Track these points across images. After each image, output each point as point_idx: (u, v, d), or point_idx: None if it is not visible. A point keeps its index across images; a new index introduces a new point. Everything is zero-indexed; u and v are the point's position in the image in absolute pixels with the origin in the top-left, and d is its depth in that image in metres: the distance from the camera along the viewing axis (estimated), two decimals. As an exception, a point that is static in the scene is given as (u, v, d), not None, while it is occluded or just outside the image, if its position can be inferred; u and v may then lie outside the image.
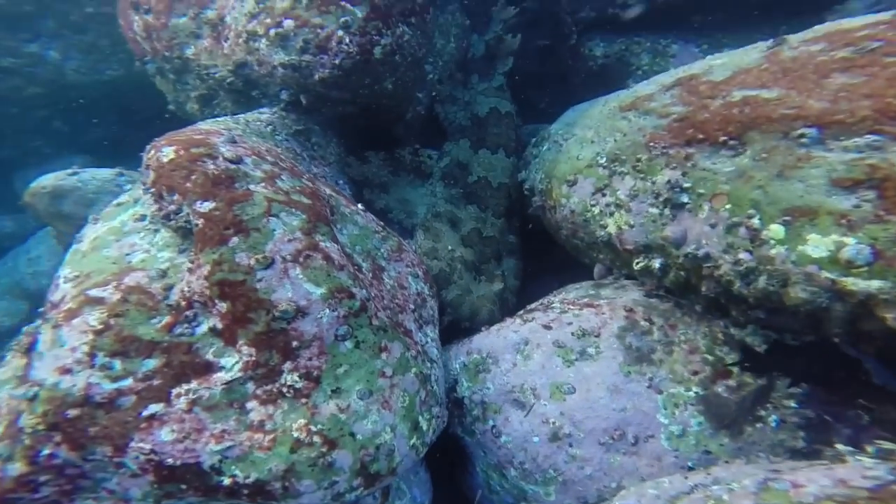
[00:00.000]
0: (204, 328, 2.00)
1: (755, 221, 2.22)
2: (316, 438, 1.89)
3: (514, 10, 4.94)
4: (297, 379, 1.96)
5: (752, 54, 2.79)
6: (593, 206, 3.10)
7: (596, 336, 2.60)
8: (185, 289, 2.05)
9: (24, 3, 5.96)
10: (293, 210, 2.36)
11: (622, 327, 2.59)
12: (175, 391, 1.90)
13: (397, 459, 2.14)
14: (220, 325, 1.98)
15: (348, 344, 2.17)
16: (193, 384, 1.91)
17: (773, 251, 2.11)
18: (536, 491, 2.35)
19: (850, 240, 1.93)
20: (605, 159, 3.11)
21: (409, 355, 2.43)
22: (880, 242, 1.88)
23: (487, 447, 2.56)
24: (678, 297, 2.79)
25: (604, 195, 3.04)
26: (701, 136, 2.59)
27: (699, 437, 2.22)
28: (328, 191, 2.93)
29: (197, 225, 2.12)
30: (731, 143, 2.44)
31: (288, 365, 1.97)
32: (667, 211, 2.62)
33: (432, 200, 4.14)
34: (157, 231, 2.38)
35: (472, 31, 5.39)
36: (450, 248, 3.66)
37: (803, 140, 2.21)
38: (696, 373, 2.37)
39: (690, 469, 2.15)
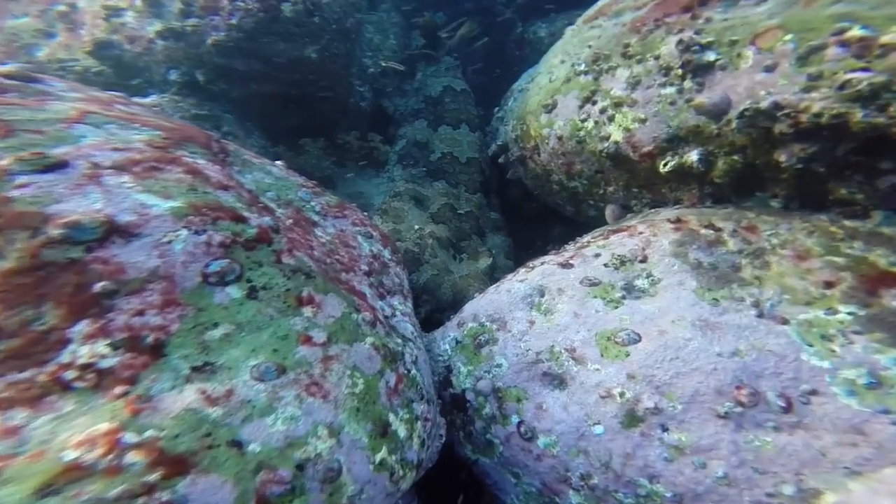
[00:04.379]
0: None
1: (858, 32, 1.48)
2: (134, 457, 0.87)
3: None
4: (102, 352, 0.98)
5: None
6: (584, 120, 2.35)
7: (641, 261, 1.70)
8: None
9: None
10: (134, 124, 1.51)
11: (676, 241, 1.70)
12: None
13: (349, 488, 1.11)
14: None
15: (233, 290, 1.22)
16: None
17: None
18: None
19: None
20: (583, 66, 2.43)
21: (358, 318, 1.47)
22: None
23: (519, 464, 1.52)
24: (736, 201, 1.96)
25: (594, 103, 2.31)
26: None
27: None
28: (212, 134, 2.09)
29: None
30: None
31: (82, 327, 0.99)
32: (687, 82, 1.89)
33: (390, 187, 3.35)
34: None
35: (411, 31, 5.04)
36: (416, 226, 2.80)
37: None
38: (829, 284, 1.46)
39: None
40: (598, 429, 1.32)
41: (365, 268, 1.90)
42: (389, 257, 2.11)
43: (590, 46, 2.42)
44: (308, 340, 1.26)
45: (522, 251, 3.44)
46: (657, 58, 1.97)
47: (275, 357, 1.17)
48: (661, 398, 1.25)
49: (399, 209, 2.96)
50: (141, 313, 1.07)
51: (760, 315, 1.36)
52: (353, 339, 1.40)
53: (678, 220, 1.77)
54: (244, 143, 3.39)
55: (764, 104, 1.64)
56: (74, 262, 1.05)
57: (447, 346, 1.85)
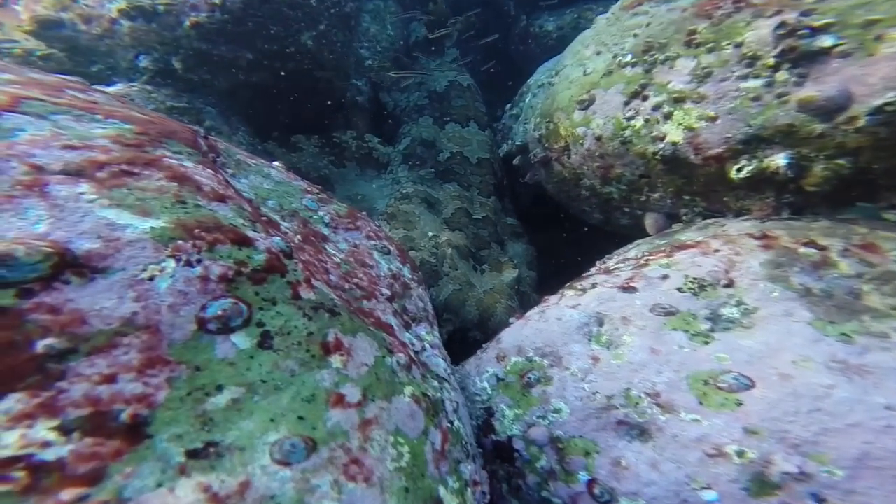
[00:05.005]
0: None
1: None
2: None
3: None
4: (42, 438, 0.68)
5: None
6: (631, 118, 2.10)
7: (726, 285, 1.45)
8: None
9: None
10: (95, 115, 1.18)
11: (770, 262, 1.46)
12: None
13: None
14: None
15: (241, 339, 0.91)
16: None
17: None
18: None
19: None
20: (630, 56, 2.17)
21: (392, 363, 1.17)
22: None
23: (587, 537, 1.24)
24: (825, 211, 1.72)
25: (644, 98, 2.06)
26: None
27: None
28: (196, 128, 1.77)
29: None
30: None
31: (10, 404, 0.69)
32: (781, 73, 1.64)
33: (395, 189, 3.05)
34: None
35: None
36: (430, 233, 2.51)
37: None
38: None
39: None
40: (710, 495, 1.06)
41: (386, 292, 1.61)
42: (410, 277, 1.82)
43: (635, 35, 2.17)
44: (340, 401, 0.97)
45: (540, 261, 3.18)
46: (738, 45, 1.72)
47: (301, 428, 0.88)
48: (806, 460, 1.00)
49: (409, 213, 2.67)
50: (111, 379, 0.76)
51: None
52: (391, 391, 1.11)
53: (764, 237, 1.53)
54: (229, 140, 3.05)
55: None
56: (1, 311, 0.73)
57: (486, 384, 1.57)
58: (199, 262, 0.92)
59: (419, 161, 3.19)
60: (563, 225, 3.28)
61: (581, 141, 2.31)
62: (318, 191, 1.89)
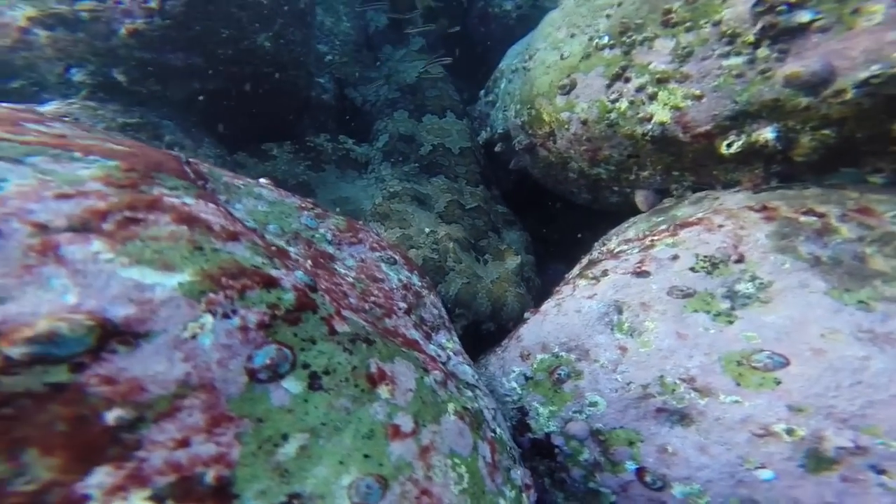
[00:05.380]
0: None
1: None
2: None
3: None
4: None
5: None
6: (615, 101, 2.13)
7: (737, 261, 1.51)
8: None
9: None
10: (72, 152, 1.11)
11: (776, 234, 1.52)
12: None
13: None
14: None
15: (292, 384, 0.89)
16: None
17: None
18: None
19: None
20: (607, 38, 2.19)
21: (430, 382, 1.17)
22: None
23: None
24: (812, 178, 1.81)
25: (626, 80, 2.09)
26: None
27: None
28: (176, 153, 1.69)
29: None
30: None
31: (101, 477, 0.66)
32: (762, 50, 1.69)
33: (380, 188, 3.00)
34: None
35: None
36: (427, 229, 2.49)
37: None
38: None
39: None
40: (766, 473, 1.12)
41: (403, 305, 1.59)
42: (420, 284, 1.81)
43: (608, 16, 2.19)
44: (397, 432, 0.96)
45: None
46: (716, 24, 1.76)
47: (370, 467, 0.87)
48: (859, 434, 1.06)
49: (402, 211, 2.63)
50: (185, 443, 0.73)
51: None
52: (438, 413, 1.11)
53: (764, 208, 1.59)
54: (195, 154, 2.91)
55: None
56: (60, 387, 0.69)
57: (514, 384, 1.59)
58: (234, 312, 0.89)
59: (401, 157, 3.15)
60: (548, 206, 3.32)
61: (566, 126, 2.34)
62: (312, 205, 1.84)
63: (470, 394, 1.37)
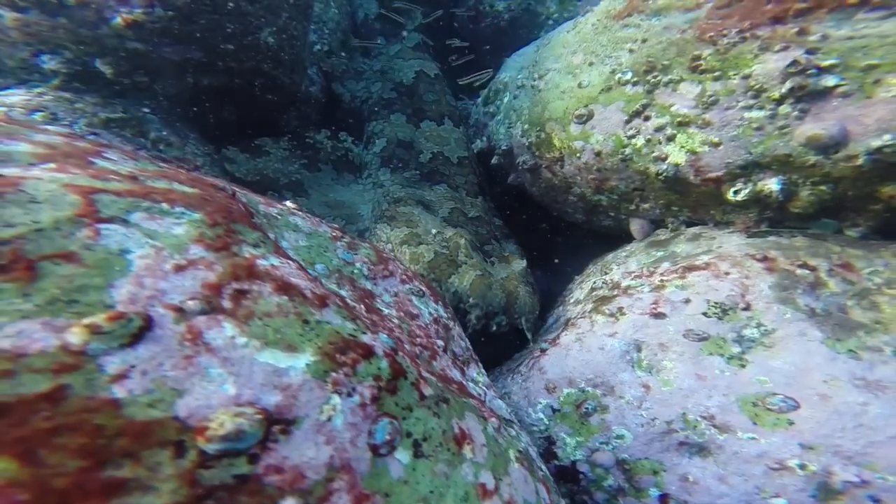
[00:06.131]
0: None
1: None
2: None
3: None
4: None
5: None
6: (632, 136, 2.31)
7: (744, 308, 1.75)
8: None
9: None
10: (156, 202, 1.14)
11: (777, 285, 1.78)
12: None
13: None
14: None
15: (402, 455, 1.01)
16: None
17: None
18: None
19: None
20: (630, 74, 2.35)
21: (491, 431, 1.33)
22: None
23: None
24: (796, 224, 2.09)
25: (646, 118, 2.28)
26: (803, 6, 1.94)
27: None
28: (221, 183, 1.70)
29: None
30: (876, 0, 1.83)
31: None
32: (784, 107, 1.91)
33: (379, 194, 3.05)
34: None
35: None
36: (433, 230, 2.59)
37: None
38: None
39: None
40: (780, 502, 1.37)
41: (441, 343, 1.72)
42: (447, 316, 1.94)
43: (631, 51, 2.35)
44: (485, 492, 1.11)
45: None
46: (746, 77, 1.95)
47: (472, 531, 1.01)
48: (862, 469, 1.33)
49: (408, 214, 2.71)
50: None
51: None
52: (505, 462, 1.27)
53: (765, 258, 1.84)
54: (182, 152, 2.83)
55: None
56: (244, 479, 0.78)
57: (542, 415, 1.78)
58: (353, 390, 0.99)
59: (400, 163, 3.20)
60: (533, 218, 3.50)
61: (578, 154, 2.50)
62: (341, 233, 1.90)
63: (513, 432, 1.53)
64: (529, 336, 2.27)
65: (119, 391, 0.76)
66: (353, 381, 1.00)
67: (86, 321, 0.80)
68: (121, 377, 0.77)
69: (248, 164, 2.99)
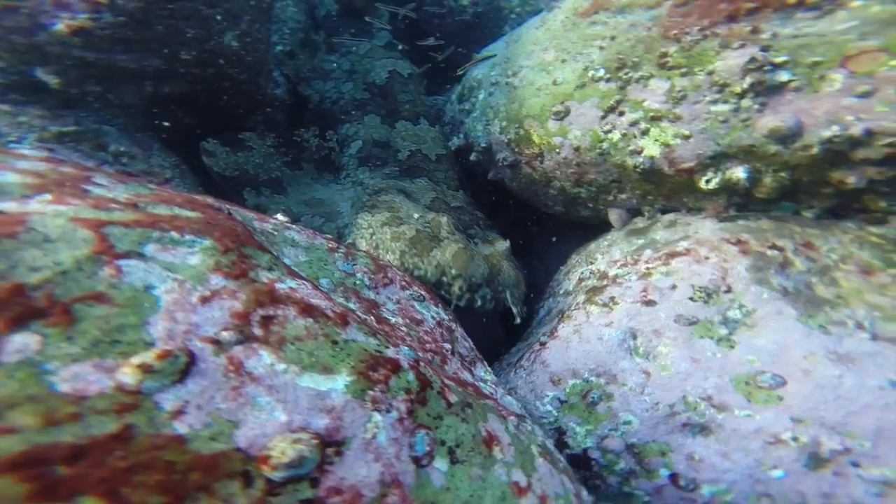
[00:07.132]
0: None
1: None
2: None
3: None
4: None
5: None
6: (608, 131, 2.43)
7: (726, 291, 1.90)
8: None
9: None
10: (166, 231, 1.16)
11: (752, 267, 1.94)
12: None
13: None
14: None
15: (441, 464, 1.08)
16: None
17: None
18: None
19: None
20: (603, 71, 2.46)
21: (512, 429, 1.41)
22: None
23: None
24: (759, 208, 2.26)
25: (620, 113, 2.40)
26: (752, 5, 2.09)
27: None
28: (216, 202, 1.70)
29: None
30: (810, 1, 2.00)
31: None
32: (746, 101, 2.06)
33: (359, 190, 3.07)
34: None
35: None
36: (415, 215, 2.61)
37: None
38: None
39: None
40: (778, 473, 1.52)
41: (448, 346, 1.79)
42: (448, 318, 2.01)
43: (602, 48, 2.46)
44: (520, 489, 1.20)
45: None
46: (710, 73, 2.09)
47: (512, 528, 1.10)
48: (844, 438, 1.49)
49: (390, 201, 2.73)
50: None
51: (874, 338, 1.66)
52: (531, 458, 1.35)
53: (739, 242, 2.00)
54: (148, 164, 2.76)
55: (856, 131, 1.87)
56: (310, 503, 0.84)
57: (550, 408, 1.88)
58: (391, 406, 1.05)
59: (379, 161, 3.23)
60: (516, 213, 3.61)
61: (557, 150, 2.61)
62: (336, 244, 1.94)
63: (529, 427, 1.63)
64: (516, 311, 2.30)
65: (180, 427, 0.79)
66: (389, 397, 1.06)
67: (135, 360, 0.83)
68: (179, 413, 0.81)
69: (228, 159, 2.95)
